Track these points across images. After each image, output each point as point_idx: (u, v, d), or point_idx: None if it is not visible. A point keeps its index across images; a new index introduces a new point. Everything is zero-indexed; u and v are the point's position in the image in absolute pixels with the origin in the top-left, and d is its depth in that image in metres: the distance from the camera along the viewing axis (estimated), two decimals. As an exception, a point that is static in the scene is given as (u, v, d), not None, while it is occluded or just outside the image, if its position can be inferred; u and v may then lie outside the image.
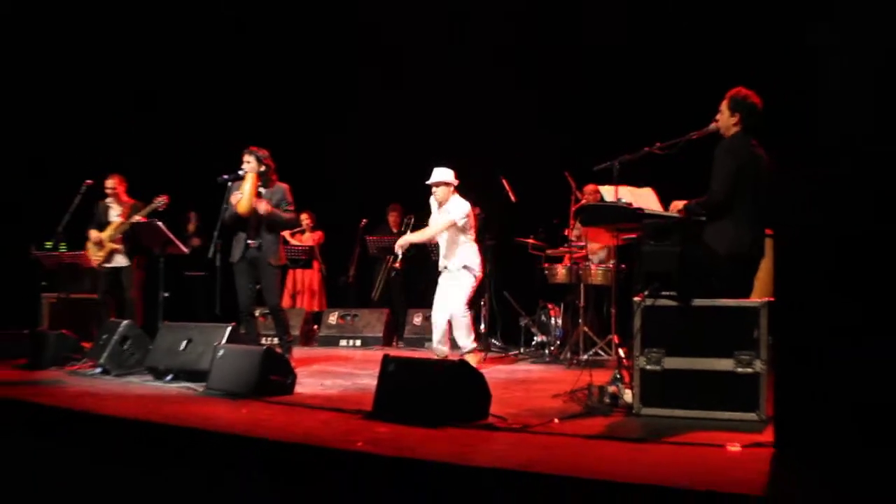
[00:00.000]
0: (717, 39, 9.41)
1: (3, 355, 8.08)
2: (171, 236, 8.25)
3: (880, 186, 3.49)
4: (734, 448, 3.86)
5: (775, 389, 3.84)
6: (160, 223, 8.24)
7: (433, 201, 8.21)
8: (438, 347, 7.99)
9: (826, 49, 3.81)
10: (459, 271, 7.93)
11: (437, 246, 10.64)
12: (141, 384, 6.57)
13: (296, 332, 10.55)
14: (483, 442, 4.15)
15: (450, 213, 7.95)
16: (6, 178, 11.80)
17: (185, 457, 4.43)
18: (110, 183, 9.21)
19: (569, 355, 8.36)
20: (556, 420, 4.75)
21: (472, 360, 7.68)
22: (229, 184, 7.69)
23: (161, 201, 8.79)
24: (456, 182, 8.10)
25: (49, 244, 9.49)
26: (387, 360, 5.10)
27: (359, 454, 3.84)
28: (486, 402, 4.84)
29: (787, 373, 3.73)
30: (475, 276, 7.97)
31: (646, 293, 4.92)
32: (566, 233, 8.93)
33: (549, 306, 9.25)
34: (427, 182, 8.11)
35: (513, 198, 9.21)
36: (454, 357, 7.42)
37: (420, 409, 4.68)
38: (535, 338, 9.43)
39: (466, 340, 7.88)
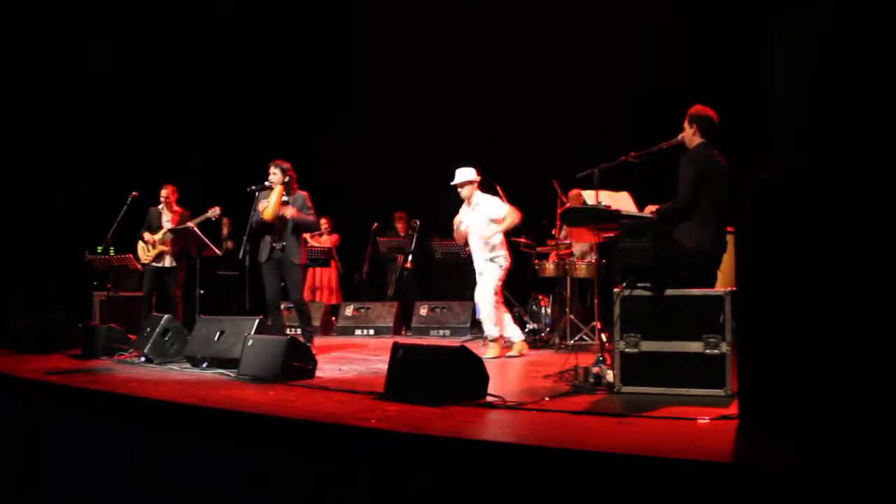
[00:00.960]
0: (682, 57, 9.45)
1: (60, 346, 8.08)
2: (206, 240, 8.23)
3: (823, 190, 3.49)
4: (704, 421, 3.84)
5: (739, 368, 3.81)
6: (196, 229, 8.23)
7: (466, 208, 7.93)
8: (494, 330, 7.66)
9: (779, 53, 3.76)
10: (499, 259, 7.79)
11: (442, 245, 10.70)
12: (180, 371, 6.53)
13: (316, 323, 10.52)
14: (482, 418, 4.13)
15: (497, 207, 7.82)
16: (64, 192, 11.82)
17: (218, 434, 4.41)
18: (164, 192, 9.23)
19: (557, 340, 8.34)
20: (547, 398, 4.72)
21: (494, 350, 7.55)
22: (256, 193, 7.70)
23: (215, 211, 8.80)
24: (478, 178, 7.89)
25: (100, 249, 9.46)
26: (396, 346, 5.08)
27: (372, 430, 3.82)
28: (484, 383, 4.80)
29: (748, 353, 3.72)
30: (506, 265, 7.84)
31: (624, 284, 4.90)
32: (554, 232, 8.91)
33: (540, 297, 9.23)
34: (452, 183, 7.86)
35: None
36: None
37: (425, 390, 4.65)
38: (528, 325, 9.39)
39: (493, 329, 7.66)
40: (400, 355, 5.03)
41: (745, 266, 3.78)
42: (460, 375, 4.72)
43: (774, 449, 3.26)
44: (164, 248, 9.04)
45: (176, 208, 9.22)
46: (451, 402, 4.48)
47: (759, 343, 3.64)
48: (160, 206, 9.26)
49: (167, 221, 9.13)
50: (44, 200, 11.61)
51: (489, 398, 4.69)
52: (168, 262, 9.09)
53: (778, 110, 3.77)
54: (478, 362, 4.81)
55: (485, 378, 4.82)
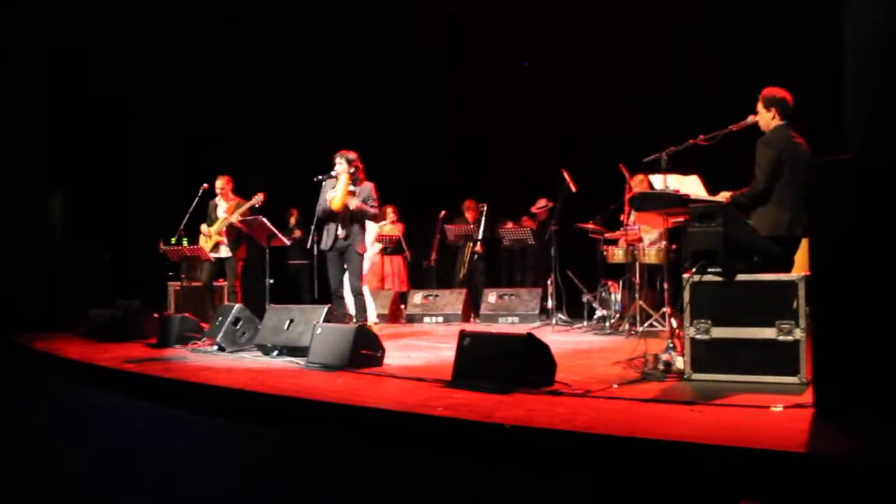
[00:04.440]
0: (754, 35, 9.23)
1: (137, 335, 8.29)
2: (275, 230, 8.32)
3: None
4: (777, 409, 3.73)
5: (814, 355, 3.69)
6: (264, 219, 8.33)
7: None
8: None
9: (857, 33, 3.61)
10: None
11: (509, 232, 10.70)
12: (251, 359, 6.61)
13: (385, 311, 10.57)
14: (549, 406, 4.06)
15: None
16: (141, 185, 12.14)
17: (286, 421, 4.45)
18: (219, 183, 9.34)
19: (627, 327, 8.23)
20: (615, 385, 4.65)
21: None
22: (323, 182, 7.79)
23: (258, 198, 8.93)
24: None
25: (174, 240, 9.64)
26: (463, 334, 5.07)
27: (438, 418, 3.81)
28: (552, 370, 4.77)
29: (824, 339, 3.60)
30: None
31: (693, 270, 4.79)
32: (622, 218, 8.77)
33: (609, 283, 9.11)
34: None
35: (573, 188, 9.09)
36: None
37: (492, 377, 4.63)
38: (597, 312, 9.29)
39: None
40: (467, 343, 5.01)
41: (821, 249, 3.66)
42: (527, 362, 4.68)
43: (851, 439, 3.15)
44: (220, 238, 9.18)
45: (232, 198, 9.34)
46: (518, 390, 4.45)
47: (836, 329, 3.53)
48: (217, 198, 9.41)
49: (223, 212, 9.25)
50: (124, 191, 11.90)
51: (557, 385, 4.65)
52: (224, 251, 9.21)
53: (855, 87, 3.63)
54: (545, 349, 4.77)
55: (552, 365, 4.78)
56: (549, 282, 9.64)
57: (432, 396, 4.47)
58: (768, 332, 4.56)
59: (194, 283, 10.15)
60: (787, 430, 3.28)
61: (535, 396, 4.33)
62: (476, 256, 11.56)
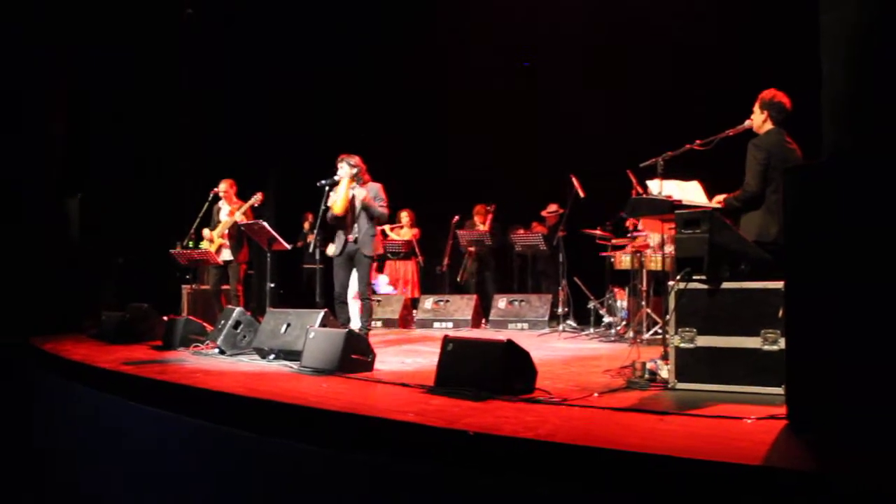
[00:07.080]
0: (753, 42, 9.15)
1: (146, 337, 8.34)
2: (275, 234, 8.32)
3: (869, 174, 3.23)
4: (749, 420, 3.63)
5: (787, 364, 3.58)
6: (265, 223, 8.34)
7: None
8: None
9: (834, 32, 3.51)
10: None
11: (521, 238, 10.62)
12: (248, 363, 6.60)
13: (396, 316, 10.56)
14: (520, 413, 3.98)
15: None
16: (157, 189, 12.24)
17: (264, 425, 4.43)
18: (223, 186, 9.38)
19: (632, 334, 8.12)
20: (596, 394, 4.57)
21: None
22: (327, 188, 7.76)
23: (257, 197, 9.00)
24: None
25: (191, 243, 9.70)
26: (447, 340, 5.01)
27: (403, 424, 3.76)
28: (532, 377, 4.71)
29: (796, 350, 3.49)
30: None
31: (678, 277, 4.71)
32: (628, 224, 8.67)
33: (616, 290, 9.01)
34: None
35: (582, 193, 9.02)
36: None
37: (472, 383, 4.57)
38: (604, 319, 9.20)
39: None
40: (450, 349, 4.96)
41: (793, 257, 3.55)
42: (506, 369, 4.61)
43: (810, 453, 3.05)
44: (223, 241, 9.22)
45: (235, 201, 9.38)
46: (496, 397, 4.39)
47: (807, 340, 3.41)
48: (220, 201, 9.44)
49: (226, 215, 9.29)
50: (139, 194, 11.99)
51: (537, 392, 4.58)
52: (226, 255, 9.24)
53: (830, 86, 3.53)
54: (525, 356, 4.70)
55: (532, 372, 4.71)
56: (559, 288, 9.58)
57: (409, 402, 4.43)
58: (753, 342, 4.46)
59: (202, 287, 10.21)
60: (749, 441, 3.18)
61: (510, 404, 4.26)
62: (481, 261, 11.53)
